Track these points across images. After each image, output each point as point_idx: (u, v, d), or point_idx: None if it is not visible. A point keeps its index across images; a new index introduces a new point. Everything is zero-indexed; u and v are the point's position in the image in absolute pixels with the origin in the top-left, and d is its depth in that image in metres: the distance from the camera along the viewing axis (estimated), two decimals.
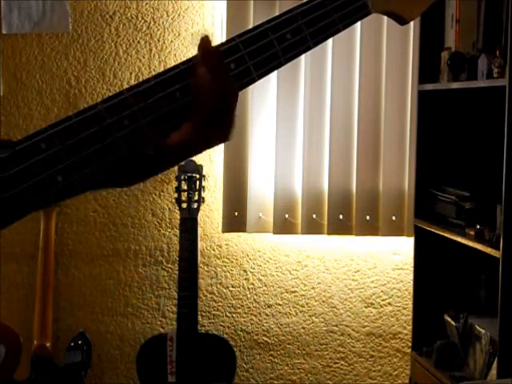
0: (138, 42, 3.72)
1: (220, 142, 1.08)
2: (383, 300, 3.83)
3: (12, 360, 3.24)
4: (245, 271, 3.80)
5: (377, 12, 1.13)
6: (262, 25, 1.08)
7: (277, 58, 1.07)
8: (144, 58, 3.72)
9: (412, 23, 3.57)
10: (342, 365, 3.85)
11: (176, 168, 3.64)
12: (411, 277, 3.67)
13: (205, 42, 1.07)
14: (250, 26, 3.58)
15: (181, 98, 1.04)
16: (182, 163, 3.64)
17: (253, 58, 1.07)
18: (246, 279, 3.80)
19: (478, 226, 3.02)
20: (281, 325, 3.82)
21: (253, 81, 1.08)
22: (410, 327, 3.71)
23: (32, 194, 0.97)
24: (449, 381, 3.15)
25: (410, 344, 3.70)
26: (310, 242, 3.78)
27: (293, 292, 3.82)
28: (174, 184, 3.63)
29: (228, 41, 1.08)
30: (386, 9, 1.14)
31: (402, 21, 1.17)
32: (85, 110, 1.01)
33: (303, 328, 3.83)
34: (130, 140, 1.02)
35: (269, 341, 3.82)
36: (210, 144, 1.08)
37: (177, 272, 3.63)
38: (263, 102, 3.64)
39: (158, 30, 3.72)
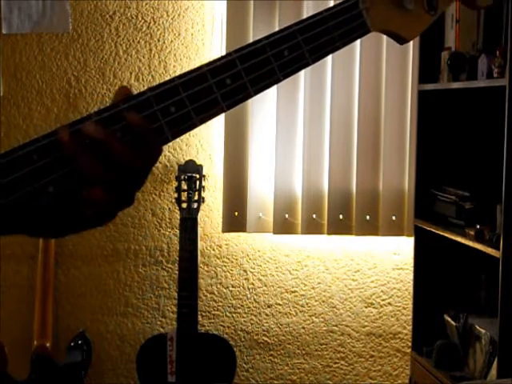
0: (138, 42, 3.72)
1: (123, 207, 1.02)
2: (383, 300, 3.83)
3: None
4: (245, 271, 3.80)
5: (375, 31, 1.13)
6: (260, 41, 1.07)
7: (273, 74, 1.07)
8: (144, 57, 3.72)
9: None
10: (341, 365, 3.85)
11: (176, 168, 3.64)
12: (411, 277, 3.67)
13: (124, 90, 1.03)
14: (250, 27, 3.59)
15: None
16: (182, 163, 3.64)
17: (249, 73, 1.06)
18: (246, 279, 3.80)
19: (478, 226, 3.02)
20: (281, 325, 3.82)
21: (248, 96, 1.07)
22: (409, 327, 3.71)
23: (23, 203, 0.97)
24: (449, 381, 3.15)
25: (410, 344, 3.70)
26: (310, 242, 3.78)
27: (293, 292, 3.82)
28: (174, 184, 3.63)
29: (220, 58, 1.06)
30: (385, 28, 1.14)
31: (401, 40, 1.17)
32: (78, 121, 1.00)
33: (303, 328, 3.83)
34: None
35: (269, 341, 3.82)
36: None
37: (177, 272, 3.63)
38: (263, 102, 3.63)
39: (158, 30, 3.72)
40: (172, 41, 3.72)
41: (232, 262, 3.79)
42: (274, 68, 1.07)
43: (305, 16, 3.40)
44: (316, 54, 1.09)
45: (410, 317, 3.67)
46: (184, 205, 3.59)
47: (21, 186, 0.97)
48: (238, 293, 3.80)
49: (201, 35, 3.71)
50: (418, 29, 1.16)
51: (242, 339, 3.82)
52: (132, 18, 3.72)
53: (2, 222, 0.97)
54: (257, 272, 3.80)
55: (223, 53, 3.56)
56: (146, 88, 1.02)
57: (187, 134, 3.68)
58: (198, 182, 3.62)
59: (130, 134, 0.99)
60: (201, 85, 1.03)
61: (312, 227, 3.68)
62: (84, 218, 1.00)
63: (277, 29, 1.11)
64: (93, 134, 0.98)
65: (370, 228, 3.69)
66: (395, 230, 3.71)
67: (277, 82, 1.08)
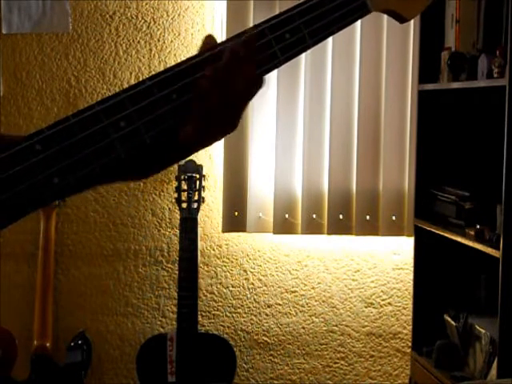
0: (138, 41, 3.72)
1: (226, 134, 1.09)
2: (383, 300, 3.83)
3: (8, 359, 3.25)
4: (245, 271, 3.80)
5: (376, 11, 1.13)
6: (260, 24, 1.08)
7: (275, 57, 1.08)
8: (144, 57, 3.72)
9: (412, 23, 3.57)
10: (341, 365, 3.85)
11: (176, 168, 3.64)
12: (411, 277, 3.67)
13: (209, 39, 1.07)
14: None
15: (177, 99, 1.04)
16: (182, 163, 3.64)
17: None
18: (246, 279, 3.80)
19: (478, 226, 3.02)
20: (281, 325, 3.82)
21: None
22: (410, 327, 3.71)
23: (28, 195, 0.97)
24: (449, 381, 3.15)
25: (410, 344, 3.70)
26: (310, 242, 3.78)
27: (293, 292, 3.82)
28: (174, 184, 3.63)
29: (227, 40, 1.08)
30: (386, 7, 1.14)
31: (402, 19, 1.17)
32: (82, 111, 1.01)
33: (303, 328, 3.83)
34: (126, 142, 1.02)
35: (269, 341, 3.82)
36: (216, 137, 1.08)
37: (177, 272, 3.63)
38: (263, 101, 3.63)
39: (158, 30, 3.72)
40: (172, 41, 3.72)
41: (232, 262, 3.79)
42: (275, 51, 1.07)
43: None
44: (316, 37, 1.09)
45: (410, 317, 3.67)
46: (184, 205, 3.59)
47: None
48: (238, 293, 3.80)
49: (201, 35, 3.71)
50: (419, 8, 1.16)
51: (242, 339, 3.82)
52: (132, 17, 3.72)
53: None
54: (257, 272, 3.80)
55: None
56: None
57: None
58: (197, 182, 3.61)
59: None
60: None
61: (312, 227, 3.68)
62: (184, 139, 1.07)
63: None
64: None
65: (370, 228, 3.69)
66: (395, 230, 3.71)
67: (278, 65, 1.09)
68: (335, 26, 1.10)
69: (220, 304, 3.80)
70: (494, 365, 2.94)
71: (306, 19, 1.08)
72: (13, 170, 0.97)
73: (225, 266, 3.79)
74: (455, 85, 3.21)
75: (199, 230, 3.65)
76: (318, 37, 1.09)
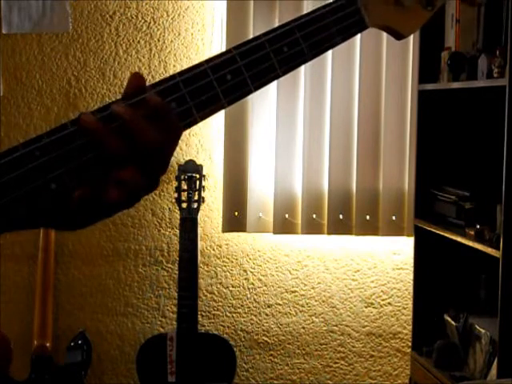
0: (138, 41, 3.72)
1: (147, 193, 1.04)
2: (383, 300, 3.83)
3: (3, 362, 3.24)
4: (245, 271, 3.80)
5: (373, 26, 1.14)
6: (259, 37, 1.09)
7: (273, 70, 1.08)
8: (144, 57, 3.72)
9: None
10: (341, 365, 3.85)
11: (176, 168, 3.64)
12: (411, 277, 3.67)
13: (136, 78, 1.05)
14: (250, 26, 3.60)
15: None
16: (182, 163, 3.64)
17: (249, 69, 1.08)
18: (245, 279, 3.80)
19: (478, 226, 3.02)
20: (281, 325, 3.82)
21: (250, 92, 1.09)
22: (409, 327, 3.71)
23: (26, 201, 0.97)
24: (449, 381, 3.15)
25: (410, 344, 3.70)
26: (310, 242, 3.78)
27: (293, 292, 3.82)
28: (174, 184, 3.63)
29: (224, 53, 1.07)
30: (383, 23, 1.15)
31: (399, 36, 1.18)
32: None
33: (303, 328, 3.83)
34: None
35: (269, 341, 3.82)
36: (140, 195, 1.03)
37: (177, 272, 3.63)
38: (263, 101, 3.64)
39: (158, 30, 3.72)
40: (172, 41, 3.72)
41: (232, 261, 3.79)
42: (273, 64, 1.08)
43: None
44: (314, 50, 1.10)
45: (410, 317, 3.67)
46: (184, 205, 3.59)
47: (32, 180, 0.98)
48: (238, 293, 3.80)
49: (201, 35, 3.71)
50: (416, 25, 1.17)
51: (242, 339, 3.82)
52: (132, 17, 3.72)
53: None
54: (257, 272, 3.80)
55: None
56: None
57: (187, 134, 3.68)
58: (198, 182, 3.62)
59: (153, 115, 1.01)
60: (201, 81, 1.05)
61: (312, 227, 3.68)
62: (114, 200, 1.01)
63: None
64: (123, 114, 1.01)
65: (370, 228, 3.69)
66: (395, 230, 3.71)
67: (276, 77, 1.09)
68: (333, 41, 1.11)
69: (220, 304, 3.80)
70: (494, 365, 2.94)
71: (304, 33, 1.09)
72: (11, 175, 0.97)
73: (225, 266, 3.79)
74: (455, 85, 3.21)
75: (199, 229, 3.65)
76: (316, 51, 1.10)
